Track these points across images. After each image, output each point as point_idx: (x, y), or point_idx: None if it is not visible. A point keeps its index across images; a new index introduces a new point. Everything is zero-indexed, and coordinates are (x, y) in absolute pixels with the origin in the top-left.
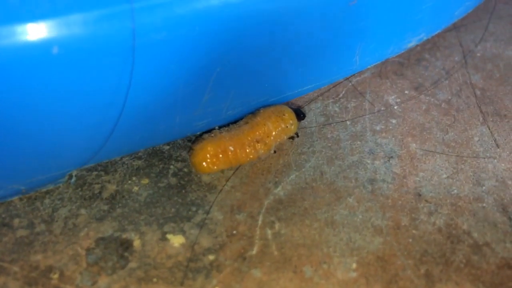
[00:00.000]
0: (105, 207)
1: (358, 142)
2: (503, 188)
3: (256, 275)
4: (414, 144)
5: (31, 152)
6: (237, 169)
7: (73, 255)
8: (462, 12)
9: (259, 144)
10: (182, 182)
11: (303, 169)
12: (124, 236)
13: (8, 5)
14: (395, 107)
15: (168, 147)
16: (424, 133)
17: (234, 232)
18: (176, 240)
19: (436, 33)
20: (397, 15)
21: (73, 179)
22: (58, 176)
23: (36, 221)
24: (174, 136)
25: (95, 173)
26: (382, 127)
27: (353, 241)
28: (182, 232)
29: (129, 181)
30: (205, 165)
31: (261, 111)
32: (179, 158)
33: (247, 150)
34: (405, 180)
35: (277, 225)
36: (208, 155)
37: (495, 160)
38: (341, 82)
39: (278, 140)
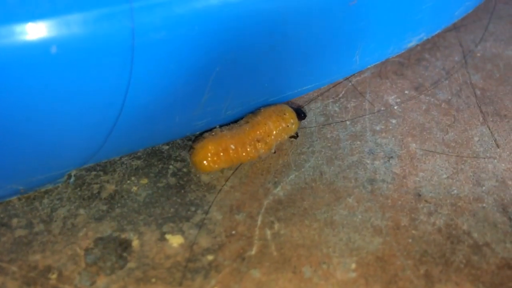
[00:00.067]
0: (104, 207)
1: (358, 142)
2: (503, 188)
3: (255, 276)
4: (414, 144)
5: (29, 151)
6: (236, 169)
7: (72, 255)
8: (462, 12)
9: (260, 144)
10: (181, 182)
11: (302, 169)
12: (123, 236)
13: (7, 4)
14: (395, 107)
15: (167, 147)
16: (424, 133)
17: (233, 232)
18: (175, 240)
19: (436, 33)
20: (397, 15)
21: (72, 179)
22: (57, 176)
23: (34, 221)
24: (173, 136)
25: (94, 173)
26: (382, 127)
27: (352, 241)
28: (181, 232)
29: (128, 181)
30: (206, 164)
31: (262, 110)
32: (178, 158)
33: (248, 149)
34: (405, 180)
35: (276, 225)
36: (209, 154)
37: (495, 160)
38: (341, 82)
39: (279, 139)
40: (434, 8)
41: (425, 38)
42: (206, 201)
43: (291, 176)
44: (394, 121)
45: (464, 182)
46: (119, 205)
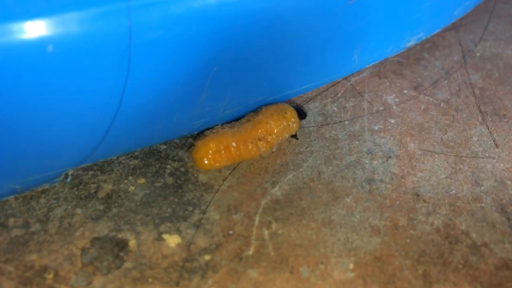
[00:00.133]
0: (101, 207)
1: (356, 142)
2: (502, 188)
3: (252, 276)
4: (412, 144)
5: (26, 151)
6: (234, 168)
7: (68, 255)
8: (462, 12)
9: (261, 142)
10: (178, 181)
11: (300, 169)
12: (119, 236)
13: (4, 3)
14: (394, 107)
15: (165, 146)
16: (423, 133)
17: (231, 232)
18: (172, 240)
19: (436, 32)
20: (396, 14)
21: (69, 179)
22: (53, 176)
23: (31, 220)
24: (171, 136)
25: (91, 172)
26: (381, 126)
27: (350, 241)
28: (178, 232)
29: (125, 181)
30: (207, 162)
31: (263, 109)
32: (176, 158)
33: (249, 147)
34: (403, 180)
35: (274, 225)
36: (210, 152)
37: (494, 160)
38: (340, 81)
39: (280, 138)
40: (433, 8)
41: (424, 37)
42: (204, 201)
43: (289, 176)
44: (392, 120)
45: (462, 182)
46: (116, 204)
